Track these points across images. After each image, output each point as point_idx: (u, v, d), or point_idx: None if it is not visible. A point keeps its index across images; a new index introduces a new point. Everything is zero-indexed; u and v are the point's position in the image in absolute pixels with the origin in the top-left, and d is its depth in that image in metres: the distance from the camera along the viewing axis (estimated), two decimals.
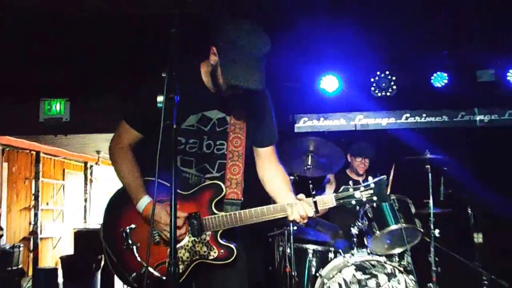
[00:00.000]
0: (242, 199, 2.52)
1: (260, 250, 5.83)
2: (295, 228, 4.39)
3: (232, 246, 2.41)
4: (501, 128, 6.26)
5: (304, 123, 6.44)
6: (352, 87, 6.28)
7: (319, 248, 4.60)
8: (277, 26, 4.77)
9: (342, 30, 5.16)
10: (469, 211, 4.91)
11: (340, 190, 2.40)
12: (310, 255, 4.57)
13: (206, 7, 4.19)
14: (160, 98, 1.94)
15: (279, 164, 2.70)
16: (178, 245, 2.39)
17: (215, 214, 2.42)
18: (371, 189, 2.36)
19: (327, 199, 2.38)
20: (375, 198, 2.35)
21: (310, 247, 4.59)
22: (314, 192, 2.40)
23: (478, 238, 4.85)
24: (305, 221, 2.40)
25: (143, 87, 2.52)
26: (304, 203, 2.36)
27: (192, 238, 2.41)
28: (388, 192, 2.56)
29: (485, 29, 5.27)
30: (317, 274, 4.35)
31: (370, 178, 2.38)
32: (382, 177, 2.39)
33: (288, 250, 4.39)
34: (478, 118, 6.27)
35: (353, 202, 2.37)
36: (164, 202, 2.35)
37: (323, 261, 4.50)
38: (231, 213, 2.41)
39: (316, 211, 2.38)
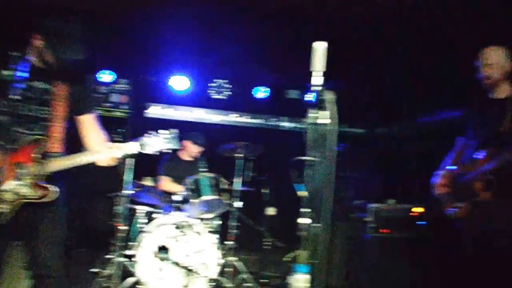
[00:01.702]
0: (62, 152, 2.42)
1: (104, 206, 5.48)
2: (131, 192, 4.19)
3: (50, 187, 2.28)
4: (298, 132, 6.59)
5: (154, 111, 6.20)
6: (198, 88, 6.20)
7: (148, 209, 4.43)
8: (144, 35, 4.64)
9: (193, 47, 5.10)
10: (267, 191, 5.06)
11: (142, 138, 2.41)
12: (139, 214, 4.39)
13: None
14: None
15: (98, 128, 2.58)
16: (2, 188, 2.23)
17: (37, 162, 2.29)
18: (167, 138, 2.41)
19: (132, 144, 2.39)
20: (169, 145, 2.42)
21: (140, 208, 4.41)
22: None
23: (270, 211, 5.02)
24: (113, 161, 2.39)
25: None
26: (112, 148, 2.37)
27: (17, 182, 2.25)
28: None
29: (294, 64, 5.52)
30: (143, 230, 4.18)
31: (166, 131, 2.43)
32: (175, 130, 2.44)
33: (122, 209, 4.17)
34: (282, 124, 6.59)
35: (154, 148, 2.40)
36: None
37: (149, 219, 4.34)
38: (50, 160, 2.30)
39: (123, 153, 2.39)
